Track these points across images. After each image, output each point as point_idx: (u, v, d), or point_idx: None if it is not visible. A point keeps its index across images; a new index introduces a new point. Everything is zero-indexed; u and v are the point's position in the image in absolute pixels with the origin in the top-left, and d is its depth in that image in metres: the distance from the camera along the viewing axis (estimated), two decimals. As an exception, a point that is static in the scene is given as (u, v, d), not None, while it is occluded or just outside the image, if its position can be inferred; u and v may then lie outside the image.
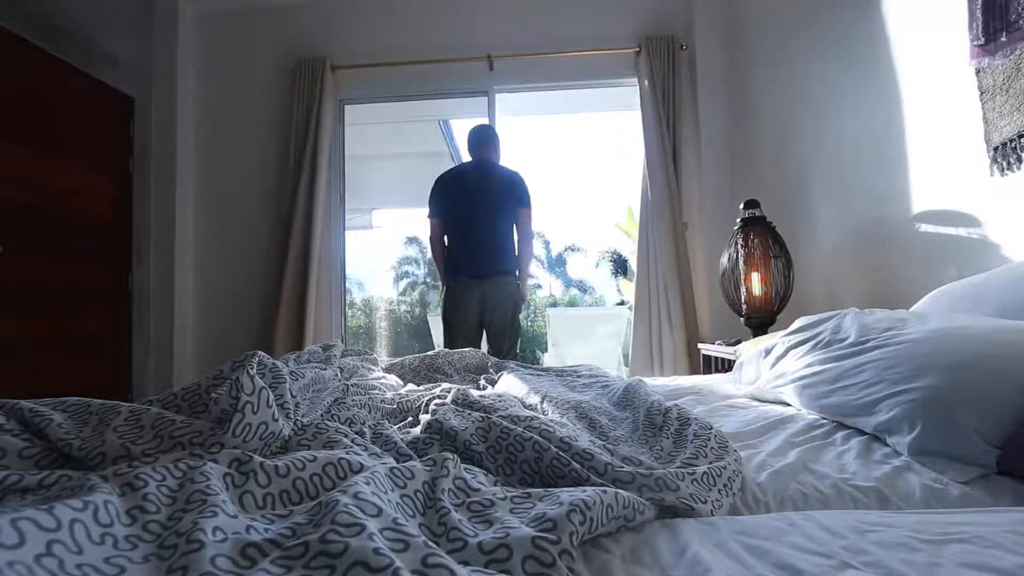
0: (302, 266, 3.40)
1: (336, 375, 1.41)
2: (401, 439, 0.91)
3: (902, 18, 1.88)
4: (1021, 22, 1.37)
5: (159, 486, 0.54)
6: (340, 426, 0.86)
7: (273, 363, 0.90)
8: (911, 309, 1.44)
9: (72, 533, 0.44)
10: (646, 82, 3.34)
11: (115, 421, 0.68)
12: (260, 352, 0.89)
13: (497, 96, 3.61)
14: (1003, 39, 1.43)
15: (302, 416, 0.92)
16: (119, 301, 3.22)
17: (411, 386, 1.55)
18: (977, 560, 0.46)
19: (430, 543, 0.48)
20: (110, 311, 3.17)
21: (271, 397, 0.76)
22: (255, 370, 0.79)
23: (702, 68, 3.39)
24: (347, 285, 3.72)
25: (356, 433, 0.88)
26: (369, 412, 1.16)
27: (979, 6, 1.49)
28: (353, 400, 1.20)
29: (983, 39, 1.49)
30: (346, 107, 3.70)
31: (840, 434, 1.07)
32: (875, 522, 0.60)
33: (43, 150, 2.77)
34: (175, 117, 3.40)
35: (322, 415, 1.04)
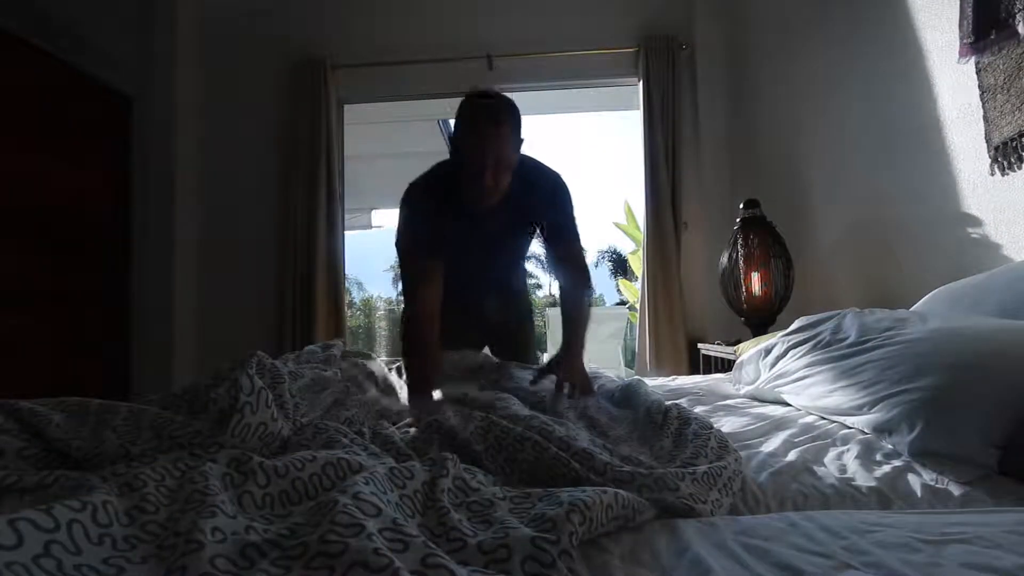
0: (303, 266, 3.39)
1: (336, 375, 1.40)
2: (400, 439, 0.91)
3: (902, 18, 1.88)
4: (1011, 20, 1.37)
5: (158, 486, 0.54)
6: (339, 426, 0.85)
7: (272, 363, 0.90)
8: (911, 309, 1.44)
9: (70, 534, 0.44)
10: (646, 81, 3.34)
11: (114, 421, 0.68)
12: (260, 352, 0.88)
13: (497, 96, 3.60)
14: (993, 37, 1.43)
15: (302, 416, 0.92)
16: (118, 301, 3.22)
17: None
18: (978, 560, 0.46)
19: (429, 543, 0.48)
20: (109, 311, 3.16)
21: (270, 397, 0.75)
22: (254, 370, 0.79)
23: (702, 68, 3.39)
24: (346, 285, 3.72)
25: (355, 433, 0.88)
26: (368, 412, 1.16)
27: (970, 4, 1.49)
28: (353, 400, 1.20)
29: (973, 36, 1.49)
30: (345, 106, 3.70)
31: (840, 434, 1.07)
32: (875, 522, 0.60)
33: (41, 150, 2.77)
34: (174, 117, 3.39)
35: (321, 415, 1.04)
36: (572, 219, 1.56)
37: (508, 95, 1.43)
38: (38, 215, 2.74)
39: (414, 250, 1.52)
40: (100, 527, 0.47)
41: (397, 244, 1.55)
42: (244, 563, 0.47)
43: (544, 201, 1.51)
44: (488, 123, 1.35)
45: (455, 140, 1.44)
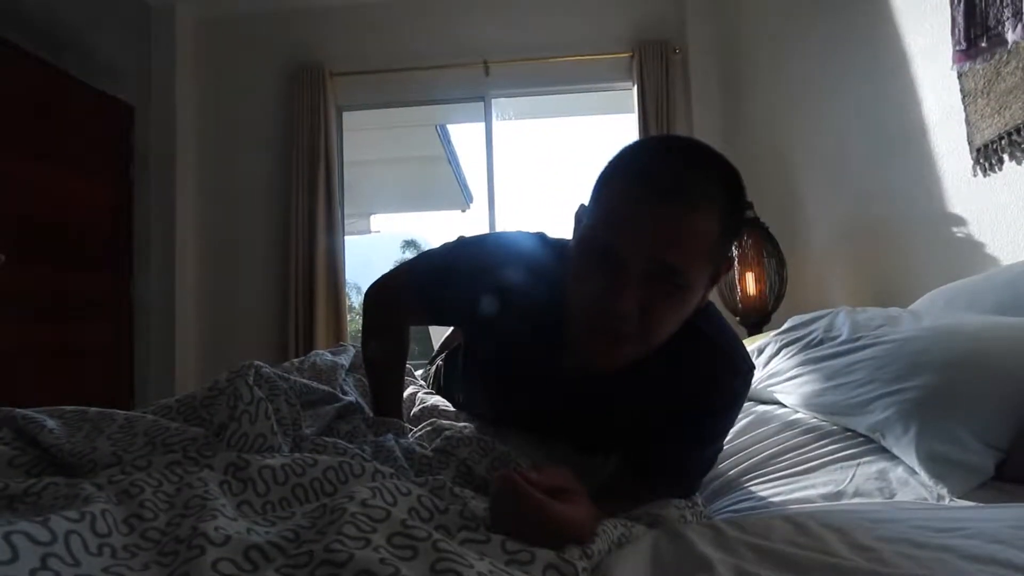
0: (304, 272, 3.40)
1: (342, 380, 1.34)
2: (403, 456, 0.87)
3: (889, 23, 1.89)
4: (1000, 28, 1.40)
5: (155, 492, 0.54)
6: (338, 441, 0.82)
7: (271, 374, 0.87)
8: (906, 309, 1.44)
9: (68, 545, 0.44)
10: (640, 86, 3.36)
11: (109, 428, 0.67)
12: (258, 362, 0.86)
13: (493, 101, 3.62)
14: (983, 44, 1.46)
15: (305, 429, 0.89)
16: (121, 309, 3.22)
17: (411, 388, 1.51)
18: (981, 554, 0.46)
19: (441, 544, 0.47)
20: (112, 319, 3.16)
21: (270, 409, 0.74)
22: (252, 380, 0.77)
23: (695, 71, 3.41)
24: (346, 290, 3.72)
25: (358, 449, 0.84)
26: (370, 426, 1.10)
27: (960, 12, 1.51)
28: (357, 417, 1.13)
29: (964, 44, 1.51)
30: (344, 113, 3.71)
31: (836, 435, 1.05)
32: (877, 518, 0.60)
33: (44, 159, 2.78)
34: (175, 125, 3.41)
35: (321, 429, 0.99)
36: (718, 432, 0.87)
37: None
38: (42, 224, 2.75)
39: (418, 304, 0.99)
40: (99, 537, 0.46)
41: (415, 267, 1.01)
42: (248, 566, 0.46)
43: (689, 400, 0.80)
44: (673, 215, 0.65)
45: (586, 224, 0.74)
